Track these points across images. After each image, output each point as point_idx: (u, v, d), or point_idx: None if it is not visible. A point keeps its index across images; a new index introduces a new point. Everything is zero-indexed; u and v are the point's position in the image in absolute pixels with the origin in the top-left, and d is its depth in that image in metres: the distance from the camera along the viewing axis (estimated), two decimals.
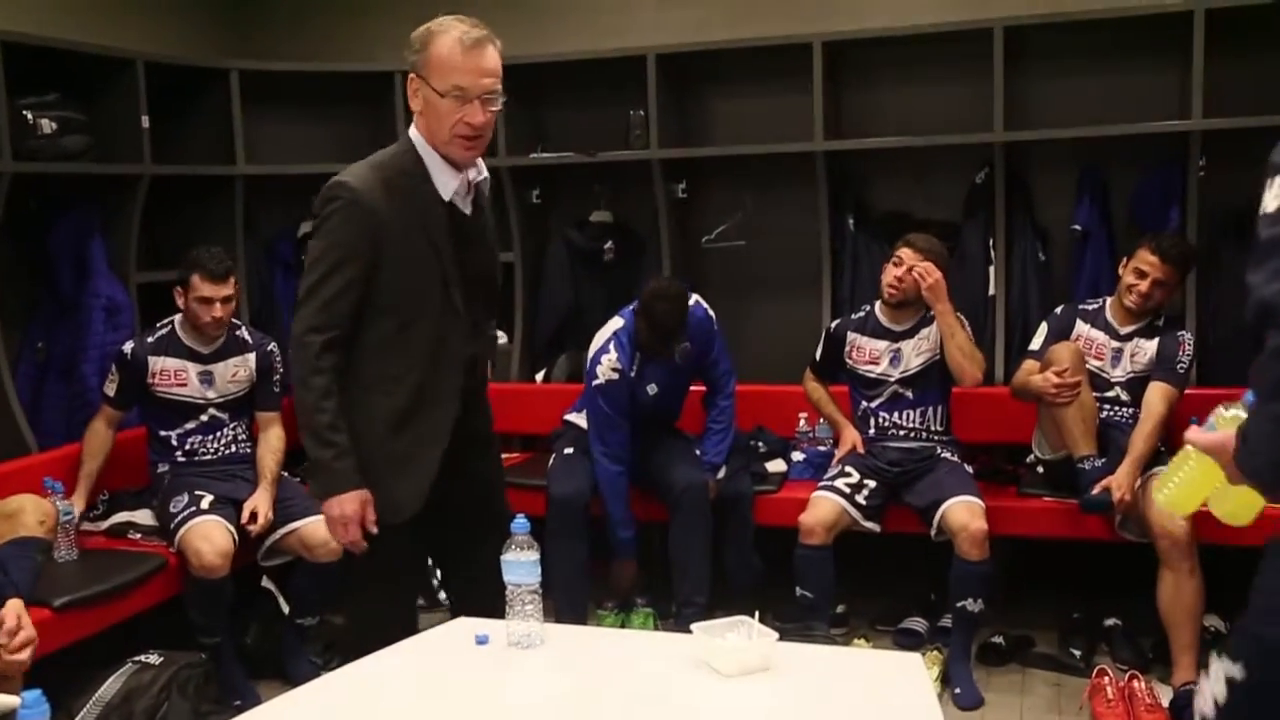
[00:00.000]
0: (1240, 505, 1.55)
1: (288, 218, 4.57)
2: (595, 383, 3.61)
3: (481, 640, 2.15)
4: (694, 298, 3.72)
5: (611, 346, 3.63)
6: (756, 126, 4.46)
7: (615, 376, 3.62)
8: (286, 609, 3.63)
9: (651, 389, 3.71)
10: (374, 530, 2.43)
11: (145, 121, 3.95)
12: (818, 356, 3.86)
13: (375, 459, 2.42)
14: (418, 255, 2.37)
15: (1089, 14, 3.92)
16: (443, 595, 3.47)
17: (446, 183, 2.38)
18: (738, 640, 2.00)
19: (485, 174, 2.47)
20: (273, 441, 3.62)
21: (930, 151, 4.16)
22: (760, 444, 4.07)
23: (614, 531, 3.67)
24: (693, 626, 2.06)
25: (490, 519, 2.52)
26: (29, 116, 3.64)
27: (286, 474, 3.67)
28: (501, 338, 4.64)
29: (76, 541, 3.30)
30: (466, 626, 2.25)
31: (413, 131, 2.40)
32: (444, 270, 2.39)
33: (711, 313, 3.77)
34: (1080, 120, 3.97)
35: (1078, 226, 4.03)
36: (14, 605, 2.51)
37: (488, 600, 2.26)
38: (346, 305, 2.37)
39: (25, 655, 2.46)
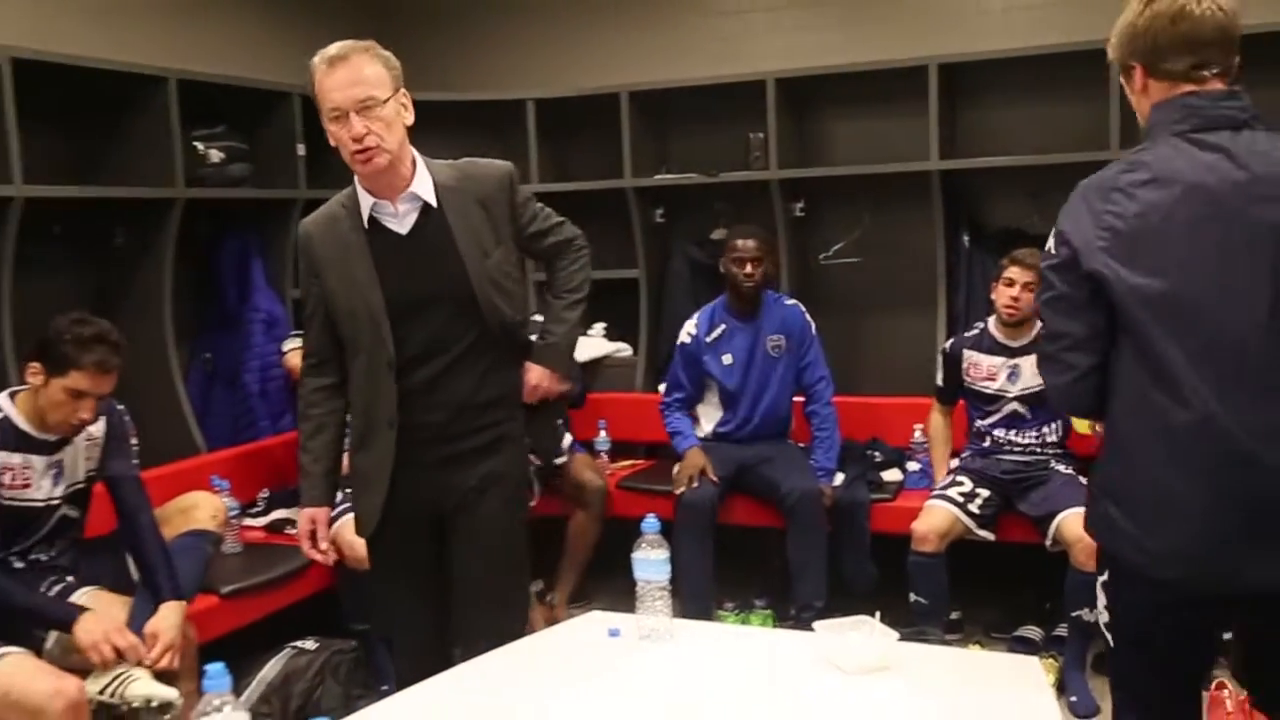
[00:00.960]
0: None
1: None
2: (676, 343, 4.14)
3: (614, 633, 2.23)
4: (794, 301, 4.10)
5: (697, 315, 4.14)
6: (872, 146, 4.60)
7: (688, 340, 4.09)
8: None
9: (727, 359, 4.02)
10: (322, 545, 2.57)
11: (301, 150, 4.27)
12: (940, 381, 3.93)
13: (353, 476, 2.55)
14: (343, 285, 2.39)
15: None
16: None
17: (365, 206, 2.37)
18: (860, 639, 2.04)
19: (428, 192, 2.38)
20: None
21: (1044, 169, 4.21)
22: (876, 454, 4.18)
23: (677, 445, 4.02)
24: (816, 625, 2.12)
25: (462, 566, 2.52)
26: (199, 147, 4.00)
27: None
28: (625, 350, 4.89)
29: (239, 536, 3.57)
30: (599, 620, 2.32)
31: None
32: (366, 298, 2.36)
33: (811, 320, 4.03)
34: None
35: None
36: (163, 615, 2.74)
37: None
38: (317, 333, 2.51)
39: (166, 660, 2.68)
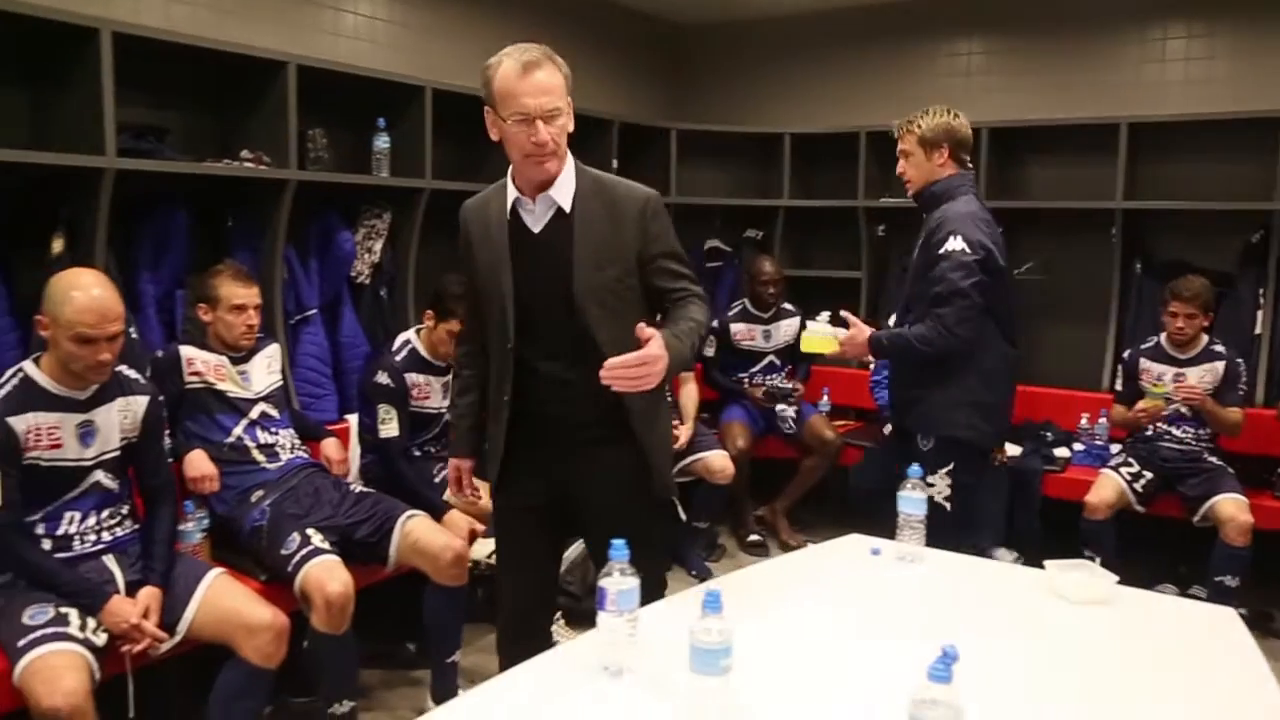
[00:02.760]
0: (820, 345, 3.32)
1: (698, 234, 5.85)
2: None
3: (875, 552, 2.45)
4: None
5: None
6: (1062, 187, 5.28)
7: None
8: (684, 516, 4.69)
9: None
10: (468, 492, 2.74)
11: (615, 164, 5.16)
12: (1119, 387, 4.45)
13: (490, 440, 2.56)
14: (484, 265, 2.43)
15: None
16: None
17: (509, 199, 2.37)
18: (1086, 576, 2.23)
19: (565, 198, 2.33)
20: None
21: (1209, 214, 4.80)
22: (1049, 434, 4.92)
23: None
24: (1045, 563, 2.31)
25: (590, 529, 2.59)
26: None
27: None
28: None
29: None
30: (860, 542, 2.55)
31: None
32: (499, 282, 2.37)
33: None
34: None
35: None
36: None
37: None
38: (470, 304, 2.62)
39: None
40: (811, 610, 2.17)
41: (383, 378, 3.70)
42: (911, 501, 2.40)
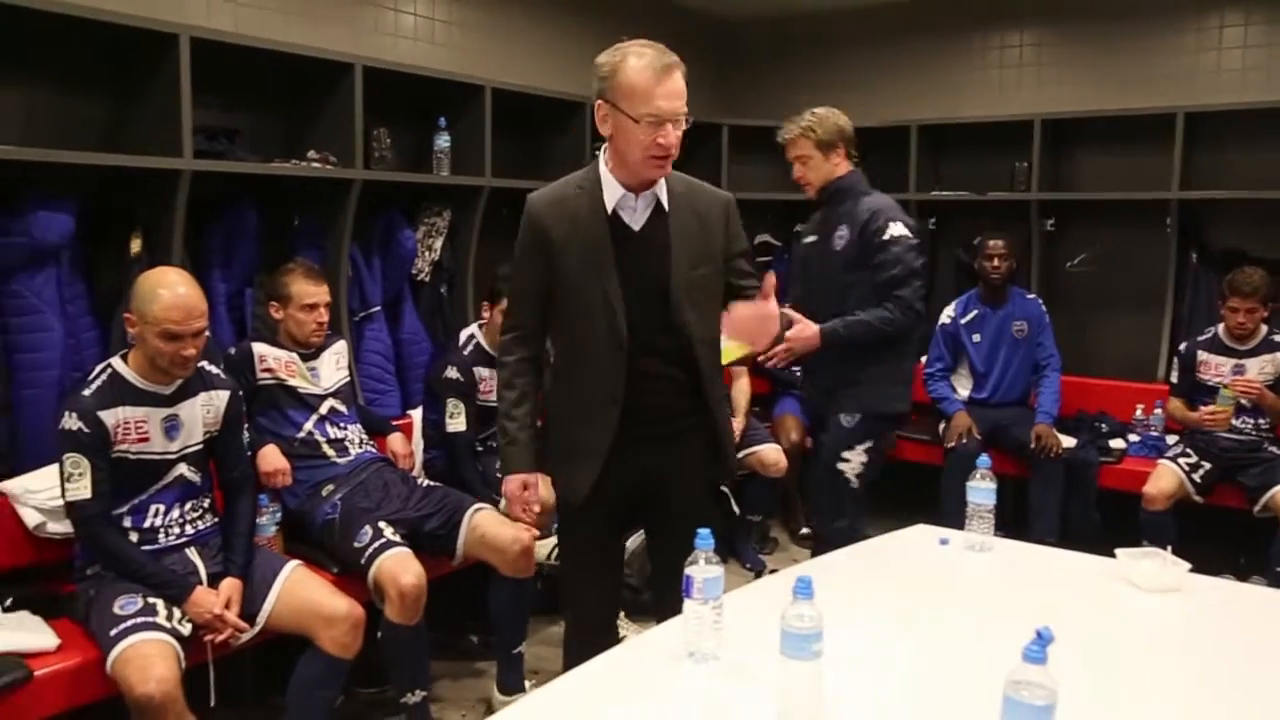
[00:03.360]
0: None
1: (750, 228, 5.72)
2: (937, 324, 4.87)
3: (944, 542, 2.47)
4: (1034, 295, 4.86)
5: (954, 301, 4.91)
6: (1114, 177, 5.26)
7: (947, 321, 4.87)
8: (737, 510, 4.70)
9: (976, 338, 4.81)
10: (535, 508, 2.57)
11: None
12: (1174, 379, 4.43)
13: (560, 445, 2.50)
14: (577, 261, 2.35)
15: None
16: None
17: (611, 196, 2.33)
18: (1157, 565, 2.24)
19: (665, 196, 2.37)
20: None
21: (1266, 203, 4.76)
22: (1104, 425, 4.91)
23: (945, 408, 4.74)
24: (1117, 551, 2.32)
25: (664, 522, 2.55)
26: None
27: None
28: None
29: None
30: (929, 532, 2.56)
31: (602, 153, 2.37)
32: (603, 281, 2.33)
33: (1046, 310, 4.80)
34: None
35: None
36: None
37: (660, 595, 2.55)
38: (528, 305, 2.48)
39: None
40: (889, 598, 2.20)
41: (452, 372, 3.77)
42: (980, 491, 2.43)
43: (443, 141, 4.25)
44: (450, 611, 3.62)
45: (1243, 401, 4.20)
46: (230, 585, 2.74)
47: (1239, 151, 5.02)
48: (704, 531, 1.80)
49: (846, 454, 3.55)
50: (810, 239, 3.73)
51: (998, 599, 2.19)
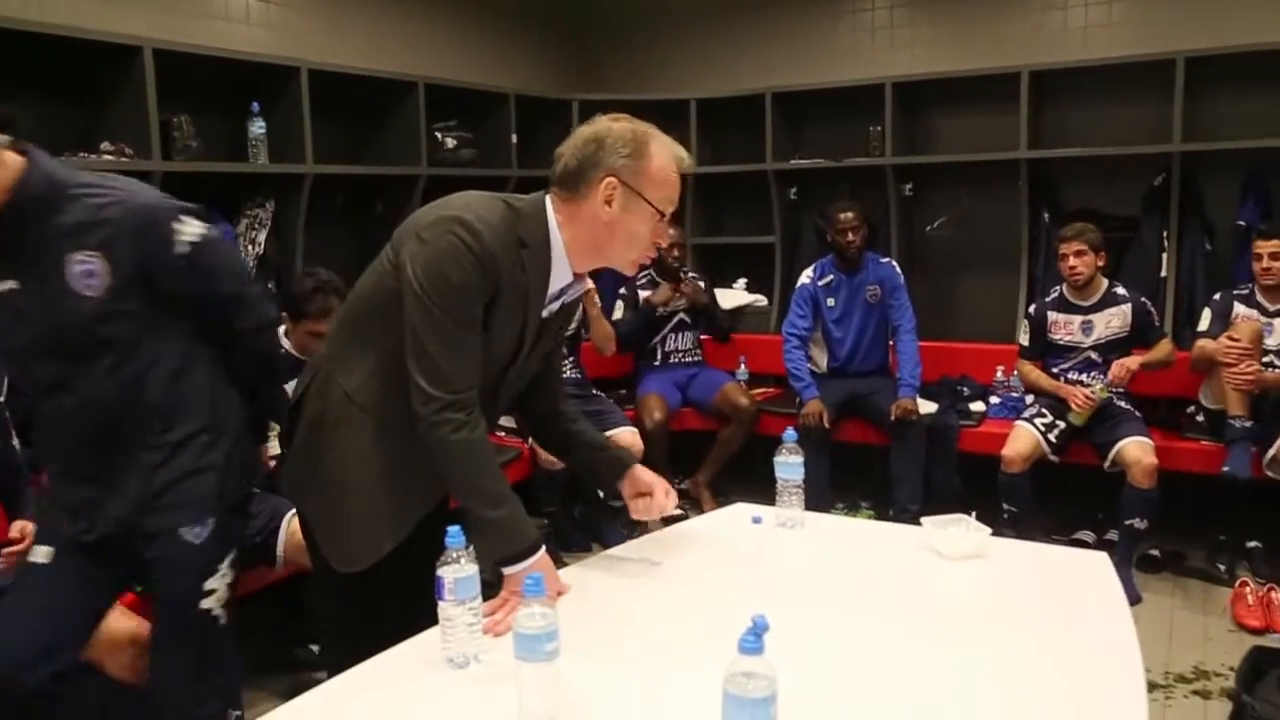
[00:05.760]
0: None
1: None
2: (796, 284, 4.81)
3: (756, 520, 2.45)
4: (888, 259, 4.81)
5: (812, 266, 4.85)
6: (970, 139, 5.26)
7: (806, 282, 4.80)
8: (602, 494, 4.53)
9: (831, 302, 4.76)
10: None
11: (514, 139, 5.15)
12: (1025, 341, 4.42)
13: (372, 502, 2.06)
14: (500, 325, 1.94)
15: (1256, 46, 4.46)
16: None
17: (559, 278, 1.98)
18: (960, 531, 2.24)
19: (589, 284, 2.18)
20: None
21: (1114, 159, 4.80)
22: (964, 389, 4.90)
23: (801, 391, 4.63)
24: (922, 520, 2.29)
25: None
26: (439, 136, 4.92)
27: None
28: (761, 300, 5.70)
29: None
30: (743, 510, 2.54)
31: (551, 213, 1.95)
32: (505, 348, 1.97)
33: (900, 273, 4.76)
34: (1246, 134, 4.51)
35: (1241, 223, 4.59)
36: None
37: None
38: (475, 362, 1.93)
39: None
40: (688, 578, 2.14)
41: None
42: (788, 467, 2.39)
43: (257, 128, 4.05)
44: (284, 622, 3.45)
45: (1093, 358, 4.24)
46: None
47: (1084, 109, 5.06)
48: (454, 529, 1.68)
49: None
50: None
51: (803, 574, 2.17)
